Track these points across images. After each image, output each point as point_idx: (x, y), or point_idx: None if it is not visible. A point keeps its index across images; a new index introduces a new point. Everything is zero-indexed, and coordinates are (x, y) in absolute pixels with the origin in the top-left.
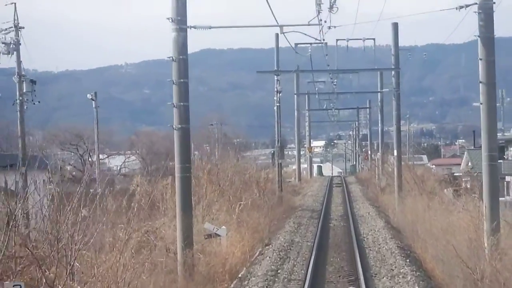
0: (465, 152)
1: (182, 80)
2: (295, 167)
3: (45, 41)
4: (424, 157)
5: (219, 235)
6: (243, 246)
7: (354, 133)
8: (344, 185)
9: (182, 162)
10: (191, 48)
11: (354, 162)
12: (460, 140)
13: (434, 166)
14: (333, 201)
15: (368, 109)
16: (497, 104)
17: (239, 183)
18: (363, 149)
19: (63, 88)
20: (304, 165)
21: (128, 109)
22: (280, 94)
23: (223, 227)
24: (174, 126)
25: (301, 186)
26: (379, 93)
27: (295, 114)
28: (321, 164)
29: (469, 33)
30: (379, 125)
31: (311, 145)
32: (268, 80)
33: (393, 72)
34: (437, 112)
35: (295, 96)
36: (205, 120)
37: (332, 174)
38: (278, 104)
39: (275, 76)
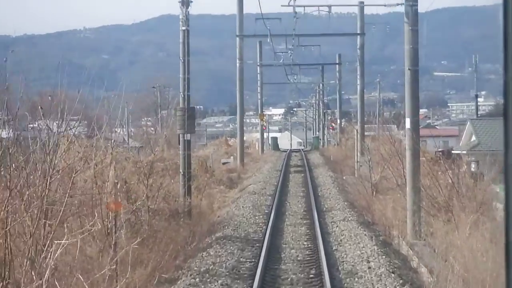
0: (468, 123)
1: None
2: (256, 135)
3: (3, 5)
4: (394, 127)
5: None
6: None
7: (317, 97)
8: (307, 169)
9: None
10: (151, 13)
11: (318, 133)
12: (423, 110)
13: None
14: (290, 209)
15: (337, 66)
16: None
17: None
18: (329, 118)
19: (21, 52)
20: (268, 134)
21: (86, 74)
22: (189, 9)
23: None
24: None
25: (242, 171)
26: (358, 36)
27: (237, 64)
28: (278, 135)
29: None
30: (358, 82)
31: (266, 112)
32: (228, 46)
33: None
34: (398, 81)
35: (237, 38)
36: (153, 83)
37: (291, 147)
38: (185, 28)
39: None
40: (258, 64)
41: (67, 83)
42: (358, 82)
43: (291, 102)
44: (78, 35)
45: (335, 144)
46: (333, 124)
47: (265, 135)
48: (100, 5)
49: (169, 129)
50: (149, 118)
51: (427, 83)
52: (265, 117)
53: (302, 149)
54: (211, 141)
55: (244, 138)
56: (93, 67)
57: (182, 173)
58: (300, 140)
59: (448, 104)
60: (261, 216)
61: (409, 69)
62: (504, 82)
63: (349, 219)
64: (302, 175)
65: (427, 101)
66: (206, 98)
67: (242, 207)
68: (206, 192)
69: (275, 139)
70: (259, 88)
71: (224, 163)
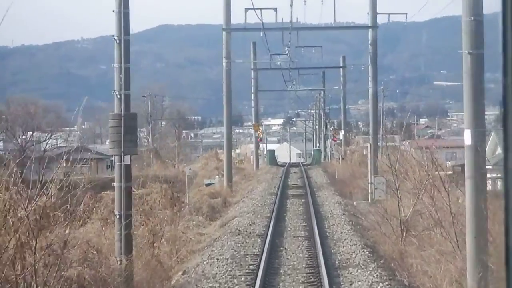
0: (492, 133)
1: None
2: (252, 146)
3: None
4: (397, 137)
5: None
6: None
7: (318, 105)
8: (309, 192)
9: None
10: (149, 24)
11: (318, 145)
12: (423, 119)
13: (413, 149)
14: (287, 261)
15: (341, 69)
16: None
17: None
18: (331, 128)
19: (20, 63)
20: (266, 145)
21: (84, 85)
22: None
23: None
24: None
25: (229, 194)
26: (370, 29)
27: (224, 64)
28: (275, 148)
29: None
30: (370, 84)
31: (264, 122)
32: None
33: None
34: (397, 91)
35: (224, 33)
36: (145, 93)
37: (290, 160)
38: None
39: None
40: (252, 67)
41: (64, 93)
42: (370, 84)
43: (290, 111)
44: (76, 45)
45: (339, 158)
46: (335, 135)
47: (264, 146)
48: (98, 16)
49: (159, 139)
50: (143, 129)
51: (426, 92)
52: (261, 128)
53: (302, 163)
54: (205, 154)
55: (238, 151)
56: (91, 77)
57: (118, 216)
58: (300, 152)
59: (449, 114)
60: (242, 279)
61: (469, 53)
62: (503, 86)
63: (378, 285)
64: (303, 200)
65: (427, 110)
66: (204, 108)
67: (217, 259)
68: (168, 234)
69: (272, 152)
70: (253, 95)
71: (207, 185)
